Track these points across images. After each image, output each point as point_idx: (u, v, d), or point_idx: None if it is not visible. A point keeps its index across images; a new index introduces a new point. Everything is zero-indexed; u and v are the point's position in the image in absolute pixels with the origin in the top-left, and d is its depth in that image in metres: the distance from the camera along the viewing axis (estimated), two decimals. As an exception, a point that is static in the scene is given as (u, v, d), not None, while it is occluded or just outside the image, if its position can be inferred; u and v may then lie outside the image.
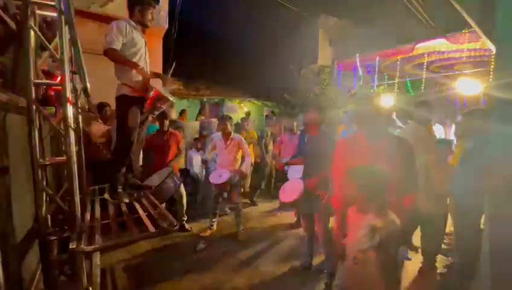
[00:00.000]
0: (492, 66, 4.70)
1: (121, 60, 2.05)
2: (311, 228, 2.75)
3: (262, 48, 11.12)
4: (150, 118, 2.50)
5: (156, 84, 2.12)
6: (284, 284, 2.69)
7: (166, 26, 6.38)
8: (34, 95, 1.58)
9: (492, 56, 4.35)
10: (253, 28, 10.44)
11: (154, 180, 2.70)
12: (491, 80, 4.55)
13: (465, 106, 7.28)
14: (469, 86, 4.84)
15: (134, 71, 2.10)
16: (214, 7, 10.98)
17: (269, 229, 3.98)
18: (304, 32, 10.57)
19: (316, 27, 9.93)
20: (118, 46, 2.00)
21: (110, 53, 1.98)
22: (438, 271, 2.74)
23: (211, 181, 3.53)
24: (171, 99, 2.21)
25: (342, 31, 10.02)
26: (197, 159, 4.76)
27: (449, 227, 2.97)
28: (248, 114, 8.05)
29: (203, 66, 10.59)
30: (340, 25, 10.11)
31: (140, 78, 2.13)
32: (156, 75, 2.42)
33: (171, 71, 2.45)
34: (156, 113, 2.35)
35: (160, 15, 6.11)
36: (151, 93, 2.07)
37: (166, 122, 3.73)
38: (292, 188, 2.62)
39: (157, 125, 3.84)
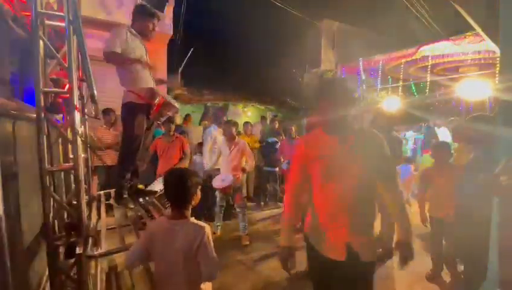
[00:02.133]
0: (497, 68, 4.66)
1: (123, 60, 2.07)
2: None
3: (266, 53, 11.19)
4: (156, 123, 2.53)
5: (162, 91, 2.16)
6: (289, 289, 2.66)
7: (171, 33, 6.48)
8: (42, 103, 1.62)
9: (497, 58, 4.32)
10: (257, 33, 10.51)
11: (159, 185, 2.72)
12: (496, 82, 4.51)
13: (471, 109, 7.20)
14: (474, 89, 4.79)
15: (140, 77, 2.13)
16: (217, 12, 11.11)
17: (274, 233, 3.96)
18: (307, 36, 10.63)
19: (319, 31, 9.97)
20: (118, 50, 2.02)
21: (110, 56, 2.01)
22: (446, 279, 2.69)
23: (214, 186, 3.54)
24: (177, 106, 2.25)
25: (345, 34, 10.05)
26: (201, 164, 4.78)
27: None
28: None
29: (207, 70, 10.69)
30: (343, 28, 10.15)
31: (146, 84, 2.16)
32: (160, 81, 2.45)
33: (180, 69, 2.48)
34: (162, 119, 2.38)
35: (164, 22, 6.21)
36: (157, 100, 2.10)
37: (173, 127, 3.78)
38: None
39: (162, 130, 3.89)
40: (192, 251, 1.30)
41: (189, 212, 1.42)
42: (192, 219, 1.41)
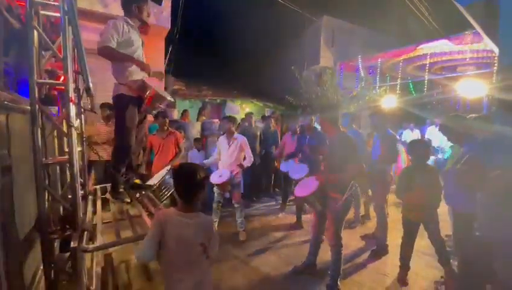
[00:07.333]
0: (495, 68, 4.68)
1: (117, 56, 2.02)
2: (320, 226, 2.72)
3: (265, 49, 11.14)
4: (149, 117, 2.50)
5: (154, 83, 2.11)
6: (285, 284, 2.68)
7: (169, 26, 6.41)
8: (37, 95, 1.59)
9: (495, 57, 4.33)
10: (256, 29, 10.45)
11: (155, 179, 2.70)
12: (494, 81, 4.53)
13: (468, 108, 7.24)
14: (472, 88, 4.81)
15: (131, 69, 2.08)
16: (216, 8, 11.01)
17: (270, 229, 3.98)
18: (307, 33, 10.57)
19: (319, 28, 9.92)
20: (112, 44, 1.96)
21: (104, 51, 1.95)
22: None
23: (211, 181, 3.52)
24: (169, 98, 2.19)
25: (344, 32, 10.01)
26: (198, 159, 4.76)
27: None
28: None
29: (205, 66, 10.62)
30: (343, 26, 10.10)
31: (137, 77, 2.12)
32: (158, 74, 2.42)
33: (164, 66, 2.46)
34: (154, 112, 2.34)
35: (162, 15, 6.14)
36: (149, 93, 2.05)
37: (166, 121, 3.74)
38: (307, 185, 2.60)
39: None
40: (206, 241, 1.42)
41: (195, 206, 1.46)
42: (199, 213, 1.46)
